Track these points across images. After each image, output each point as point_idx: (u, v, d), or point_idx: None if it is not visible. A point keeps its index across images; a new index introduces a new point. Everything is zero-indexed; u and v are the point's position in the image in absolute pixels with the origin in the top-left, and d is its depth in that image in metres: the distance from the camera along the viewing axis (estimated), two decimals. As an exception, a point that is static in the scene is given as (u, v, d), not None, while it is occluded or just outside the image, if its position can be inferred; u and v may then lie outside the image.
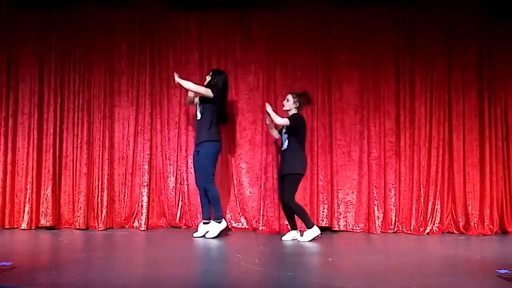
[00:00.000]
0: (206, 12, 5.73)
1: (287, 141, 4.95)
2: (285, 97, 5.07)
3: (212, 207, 4.97)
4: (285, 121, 4.91)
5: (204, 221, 5.03)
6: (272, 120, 5.05)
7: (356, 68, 5.59)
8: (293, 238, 4.93)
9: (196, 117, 5.10)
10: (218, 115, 5.05)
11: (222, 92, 5.09)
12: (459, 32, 5.54)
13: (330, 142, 5.55)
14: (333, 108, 5.56)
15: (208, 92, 4.95)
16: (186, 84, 5.00)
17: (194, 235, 5.01)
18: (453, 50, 5.54)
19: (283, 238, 4.98)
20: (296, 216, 4.95)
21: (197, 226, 5.20)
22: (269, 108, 5.01)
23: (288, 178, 4.87)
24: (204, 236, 4.96)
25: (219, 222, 4.91)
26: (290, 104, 5.01)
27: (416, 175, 5.45)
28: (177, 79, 5.02)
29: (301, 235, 4.90)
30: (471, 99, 5.52)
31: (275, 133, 5.28)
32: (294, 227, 5.00)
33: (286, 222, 5.17)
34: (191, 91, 5.03)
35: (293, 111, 5.02)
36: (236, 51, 5.72)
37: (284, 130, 5.02)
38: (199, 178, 5.05)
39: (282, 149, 5.03)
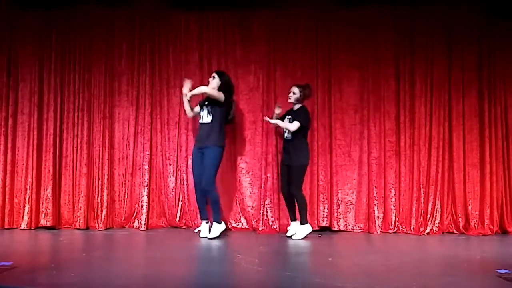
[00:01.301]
0: (206, 12, 5.72)
1: (291, 132, 4.97)
2: (290, 89, 5.06)
3: (211, 209, 4.96)
4: (296, 125, 4.90)
5: (206, 220, 5.04)
6: (280, 109, 5.11)
7: (356, 68, 5.59)
8: (295, 233, 4.98)
9: (202, 119, 5.04)
10: (226, 118, 5.06)
11: (230, 94, 5.08)
12: (459, 32, 5.53)
13: (330, 142, 5.55)
14: (333, 108, 5.56)
15: (221, 95, 4.93)
16: (199, 90, 4.96)
17: (201, 235, 4.98)
18: (453, 50, 5.54)
19: (288, 234, 5.03)
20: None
21: (197, 226, 5.22)
22: (276, 121, 5.01)
23: (295, 170, 4.93)
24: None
25: (219, 224, 4.94)
26: (296, 97, 5.02)
27: (416, 175, 5.44)
28: (190, 93, 4.96)
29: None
30: (471, 99, 5.52)
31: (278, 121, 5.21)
32: (294, 218, 5.08)
33: (287, 218, 5.24)
34: (207, 93, 4.95)
35: (299, 103, 5.04)
36: (236, 51, 5.71)
37: (288, 120, 5.02)
38: (199, 178, 5.01)
39: (286, 138, 5.05)
